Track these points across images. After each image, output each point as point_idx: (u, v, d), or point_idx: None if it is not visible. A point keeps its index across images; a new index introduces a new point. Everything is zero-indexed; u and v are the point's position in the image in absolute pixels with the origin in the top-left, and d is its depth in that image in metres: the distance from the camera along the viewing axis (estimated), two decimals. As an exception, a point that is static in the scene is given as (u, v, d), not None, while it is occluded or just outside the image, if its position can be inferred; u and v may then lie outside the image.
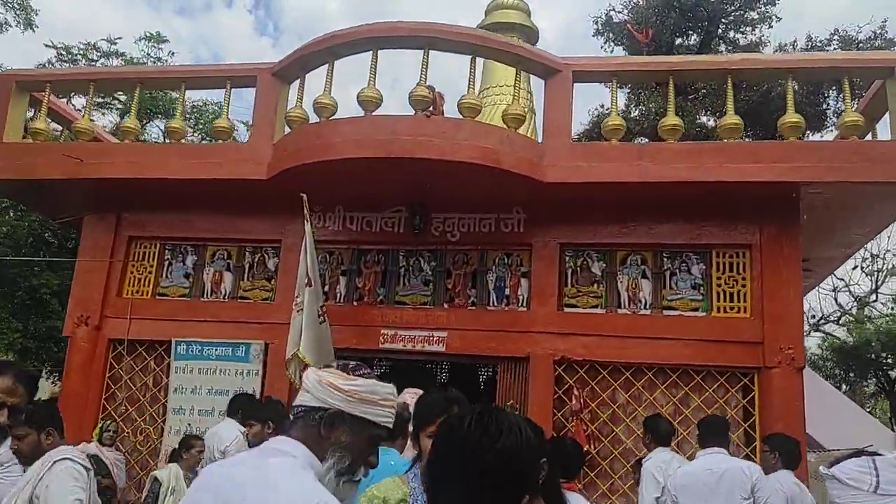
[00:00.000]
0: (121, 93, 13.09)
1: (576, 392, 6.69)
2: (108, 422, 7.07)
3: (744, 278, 6.83)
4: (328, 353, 6.16)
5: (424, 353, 7.20)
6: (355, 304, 7.55)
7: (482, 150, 6.35)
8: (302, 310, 6.18)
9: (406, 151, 6.28)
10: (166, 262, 8.08)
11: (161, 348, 7.74)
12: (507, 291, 7.27)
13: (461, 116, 6.60)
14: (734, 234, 6.87)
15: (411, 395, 3.54)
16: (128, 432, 7.60)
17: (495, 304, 7.28)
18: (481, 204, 7.27)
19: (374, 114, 6.62)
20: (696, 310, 6.89)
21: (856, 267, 22.73)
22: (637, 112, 17.01)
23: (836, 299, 23.87)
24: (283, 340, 7.17)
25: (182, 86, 7.74)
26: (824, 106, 16.55)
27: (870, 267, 23.03)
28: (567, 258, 7.22)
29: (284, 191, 6.96)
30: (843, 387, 22.54)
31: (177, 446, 6.70)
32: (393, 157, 6.31)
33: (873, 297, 23.38)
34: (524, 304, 7.18)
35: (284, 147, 6.94)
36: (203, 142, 14.93)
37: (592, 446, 6.58)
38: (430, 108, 6.64)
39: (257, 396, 7.32)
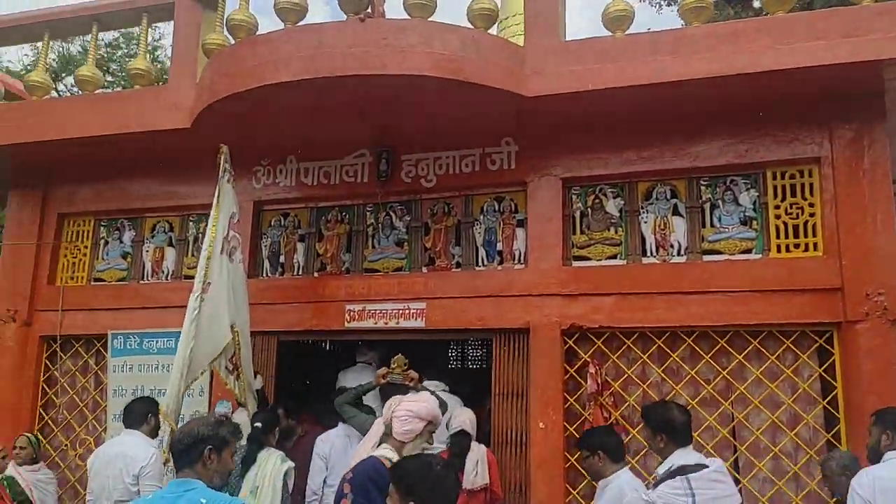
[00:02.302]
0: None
1: (592, 370, 5.07)
2: (23, 436, 5.85)
3: (811, 205, 5.05)
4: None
5: (399, 331, 5.69)
6: (316, 275, 6.10)
7: (436, 58, 4.75)
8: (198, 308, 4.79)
9: (336, 68, 4.74)
10: (101, 242, 6.80)
11: (99, 343, 6.48)
12: (499, 246, 5.67)
13: (409, 17, 5.01)
14: (795, 146, 5.08)
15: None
16: (65, 445, 6.39)
17: (485, 262, 5.70)
18: (459, 137, 5.68)
19: (297, 24, 5.11)
20: (748, 251, 5.14)
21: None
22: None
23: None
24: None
25: (94, 25, 6.38)
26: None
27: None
28: (573, 197, 5.56)
29: (217, 142, 5.58)
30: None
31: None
32: (322, 78, 4.78)
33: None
34: (521, 261, 5.58)
35: (202, 84, 5.50)
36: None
37: (617, 439, 4.96)
38: (367, 10, 5.07)
39: (205, 393, 6.00)
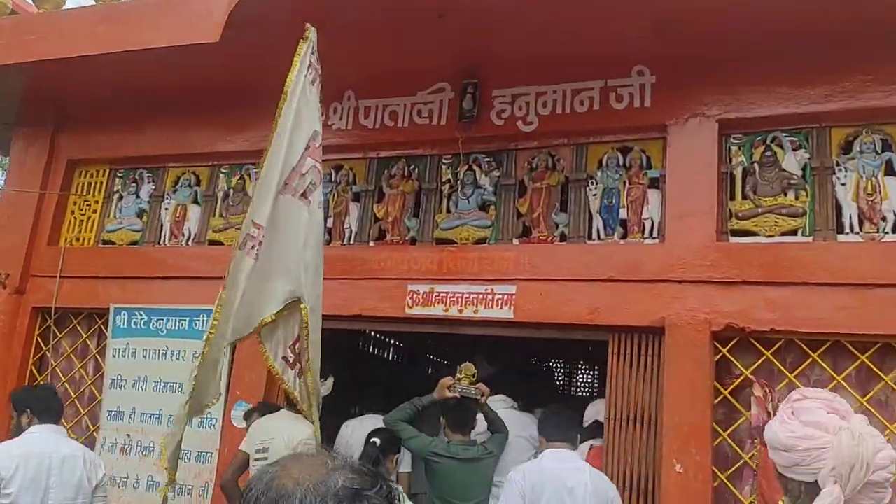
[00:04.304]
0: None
1: (758, 391, 3.37)
2: None
3: None
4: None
5: (479, 323, 4.18)
6: (372, 244, 4.65)
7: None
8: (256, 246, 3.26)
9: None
10: (115, 196, 5.52)
11: (101, 321, 5.18)
12: (622, 213, 4.11)
13: None
14: None
15: None
16: (50, 445, 5.08)
17: (602, 235, 4.14)
18: (573, 64, 4.17)
19: None
20: None
21: None
22: None
23: None
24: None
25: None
26: None
27: None
28: (733, 148, 3.95)
29: (256, 65, 4.28)
30: None
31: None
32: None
33: None
34: (654, 234, 4.00)
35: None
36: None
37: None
38: None
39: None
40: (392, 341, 7.78)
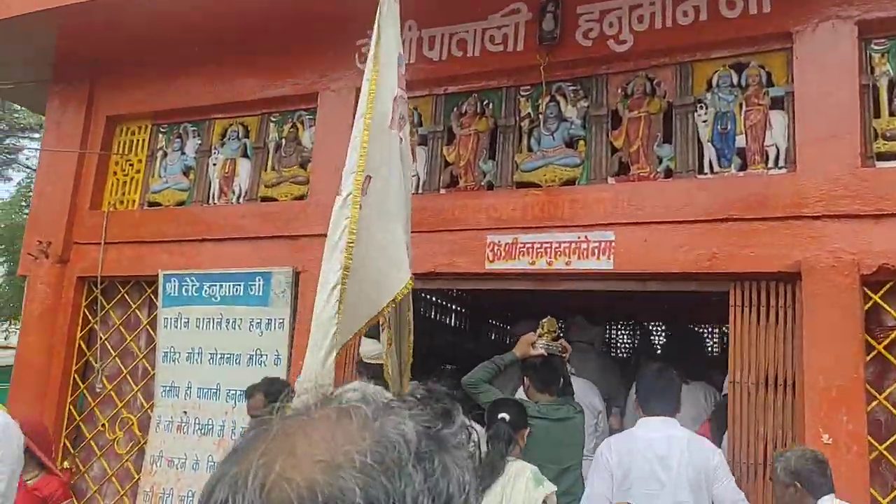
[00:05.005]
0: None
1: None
2: None
3: None
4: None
5: (572, 276, 3.64)
6: (443, 192, 4.11)
7: None
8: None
9: None
10: (159, 153, 5.08)
11: (150, 288, 4.77)
12: (739, 141, 3.49)
13: None
14: None
15: None
16: (103, 425, 4.73)
17: (716, 167, 3.53)
18: (676, -34, 3.54)
19: None
20: None
21: None
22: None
23: None
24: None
25: None
26: None
27: None
28: (876, 56, 3.30)
29: None
30: None
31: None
32: None
33: None
34: (781, 163, 3.38)
35: None
36: None
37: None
38: None
39: (283, 360, 4.16)
40: (453, 306, 7.23)
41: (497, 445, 3.09)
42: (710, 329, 6.44)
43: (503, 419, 3.18)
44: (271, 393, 3.45)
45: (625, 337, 7.16)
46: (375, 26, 2.72)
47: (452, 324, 7.34)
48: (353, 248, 2.43)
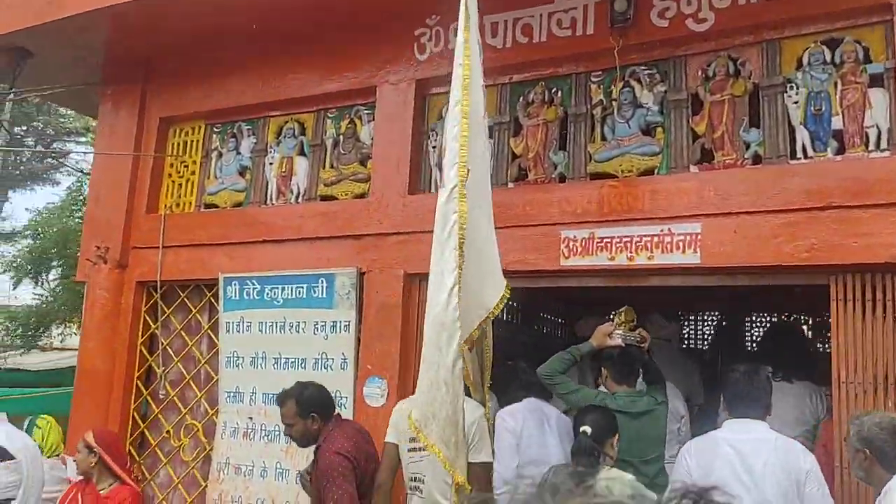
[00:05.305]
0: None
1: None
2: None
3: None
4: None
5: (655, 272, 3.44)
6: (511, 186, 3.94)
7: None
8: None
9: None
10: (214, 154, 4.98)
11: (211, 292, 4.68)
12: (835, 123, 3.25)
13: None
14: None
15: None
16: (168, 431, 4.67)
17: (809, 152, 3.29)
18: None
19: None
20: None
21: None
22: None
23: None
24: (386, 262, 3.93)
25: None
26: None
27: None
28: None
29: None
30: None
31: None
32: None
33: None
34: (885, 145, 3.14)
35: None
36: None
37: None
38: None
39: (349, 364, 4.04)
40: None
41: (581, 459, 2.93)
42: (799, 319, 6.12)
43: (584, 433, 3.00)
44: (303, 401, 3.31)
45: (701, 330, 6.90)
46: (462, 7, 2.57)
47: (504, 317, 7.17)
48: (465, 246, 2.31)
